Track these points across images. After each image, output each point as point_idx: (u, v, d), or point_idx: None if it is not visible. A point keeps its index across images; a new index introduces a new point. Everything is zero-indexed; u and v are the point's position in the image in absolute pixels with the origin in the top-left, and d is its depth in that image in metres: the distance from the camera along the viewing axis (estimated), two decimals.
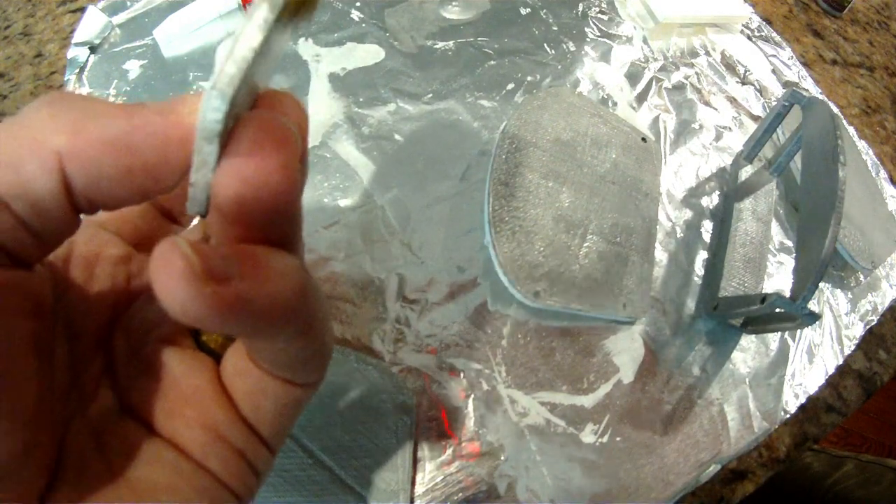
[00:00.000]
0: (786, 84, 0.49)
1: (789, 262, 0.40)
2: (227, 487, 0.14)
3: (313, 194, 0.33)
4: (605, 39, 0.45)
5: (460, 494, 0.28)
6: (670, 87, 0.44)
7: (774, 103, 0.38)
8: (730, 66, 0.48)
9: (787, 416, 0.34)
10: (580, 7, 0.46)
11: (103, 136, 0.11)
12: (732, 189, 0.40)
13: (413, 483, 0.28)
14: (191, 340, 0.15)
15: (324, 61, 0.37)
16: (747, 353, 0.36)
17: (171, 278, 0.10)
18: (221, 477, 0.14)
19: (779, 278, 0.39)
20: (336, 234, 0.32)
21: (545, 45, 0.43)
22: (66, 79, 0.35)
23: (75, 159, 0.11)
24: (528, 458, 0.30)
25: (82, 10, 0.37)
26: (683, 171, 0.41)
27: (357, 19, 0.40)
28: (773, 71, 0.49)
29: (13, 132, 0.11)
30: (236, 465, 0.14)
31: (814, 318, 0.29)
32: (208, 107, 0.11)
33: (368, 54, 0.38)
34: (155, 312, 0.15)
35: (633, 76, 0.44)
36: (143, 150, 0.11)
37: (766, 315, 0.33)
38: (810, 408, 0.36)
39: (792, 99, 0.36)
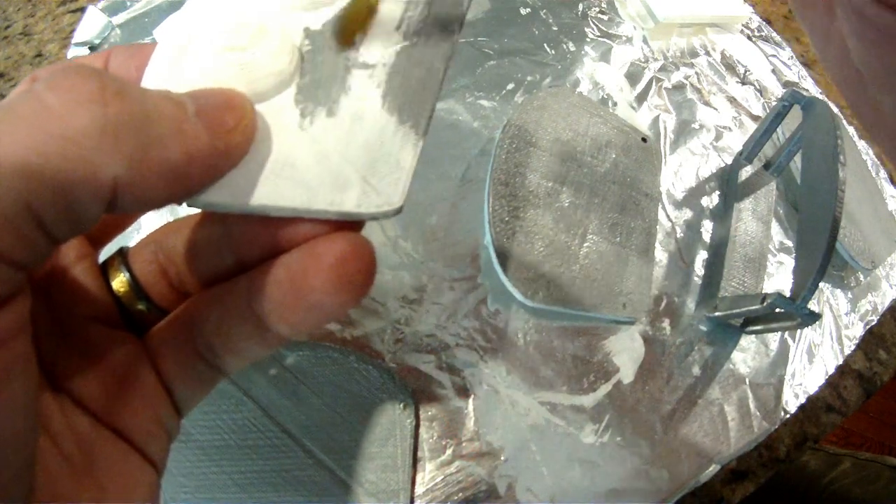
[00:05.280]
0: (786, 84, 0.49)
1: (789, 262, 0.40)
2: (157, 469, 0.14)
3: None
4: (605, 39, 0.45)
5: (460, 494, 0.28)
6: (670, 87, 0.44)
7: (774, 103, 0.38)
8: (730, 66, 0.48)
9: (787, 416, 0.34)
10: (580, 7, 0.46)
11: (161, 169, 0.11)
12: (732, 189, 0.40)
13: (413, 483, 0.28)
14: (116, 314, 0.15)
15: None
16: (747, 353, 0.36)
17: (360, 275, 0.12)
18: (156, 460, 0.14)
19: (779, 278, 0.39)
20: None
21: (545, 45, 0.43)
22: None
23: (131, 189, 0.11)
24: (528, 458, 0.30)
25: (82, 10, 0.37)
26: (683, 171, 0.41)
27: None
28: (773, 71, 0.49)
29: (62, 150, 0.10)
30: (167, 446, 0.15)
31: (814, 318, 0.29)
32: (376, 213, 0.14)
33: None
34: (81, 291, 0.15)
35: (633, 76, 0.44)
36: (193, 175, 0.12)
37: (766, 315, 0.33)
38: (810, 408, 0.36)
39: (792, 99, 0.36)
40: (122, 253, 0.16)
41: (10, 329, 0.10)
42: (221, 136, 0.12)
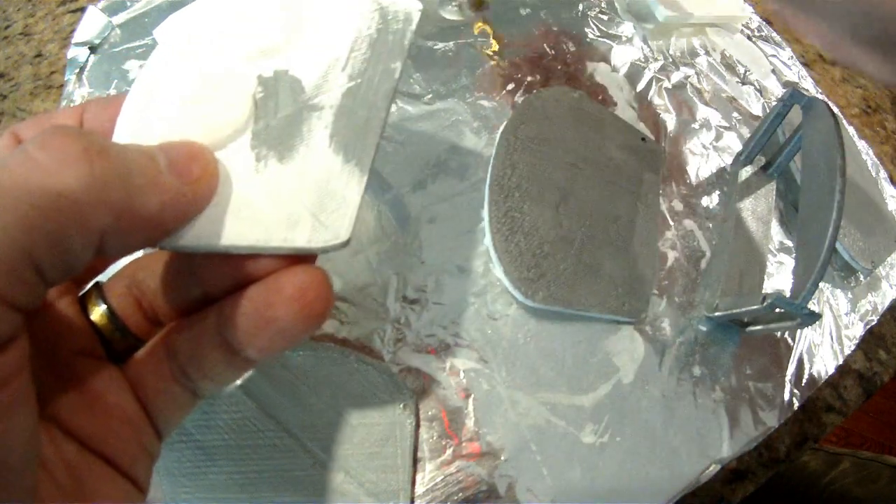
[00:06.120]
0: (786, 84, 0.49)
1: (789, 262, 0.40)
2: (141, 489, 0.15)
3: None
4: (605, 39, 0.45)
5: (460, 494, 0.28)
6: (670, 87, 0.44)
7: (774, 103, 0.38)
8: (730, 66, 0.48)
9: (788, 415, 0.34)
10: (580, 7, 0.46)
11: (141, 217, 0.13)
12: (732, 189, 0.40)
13: (413, 483, 0.28)
14: (100, 348, 0.16)
15: None
16: (747, 353, 0.36)
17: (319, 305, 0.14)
18: (141, 482, 0.15)
19: (779, 278, 0.39)
20: None
21: (545, 45, 0.43)
22: (66, 79, 0.35)
23: (115, 237, 0.12)
24: (528, 458, 0.30)
25: (82, 10, 0.37)
26: (683, 171, 0.41)
27: None
28: (773, 71, 0.49)
29: (56, 204, 0.11)
30: (150, 467, 0.16)
31: (814, 318, 0.29)
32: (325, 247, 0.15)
33: None
34: (64, 324, 0.16)
35: (633, 76, 0.44)
36: (168, 223, 0.13)
37: (766, 315, 0.33)
38: (810, 408, 0.36)
39: (792, 99, 0.36)
40: (98, 287, 0.17)
41: (14, 367, 0.11)
42: (190, 185, 0.14)
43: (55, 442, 0.14)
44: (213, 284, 0.15)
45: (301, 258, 0.15)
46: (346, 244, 0.16)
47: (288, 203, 0.15)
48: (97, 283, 0.17)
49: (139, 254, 0.17)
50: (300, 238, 0.15)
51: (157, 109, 0.15)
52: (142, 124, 0.15)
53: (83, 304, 0.17)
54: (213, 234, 0.14)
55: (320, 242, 0.15)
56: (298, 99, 0.16)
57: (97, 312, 0.16)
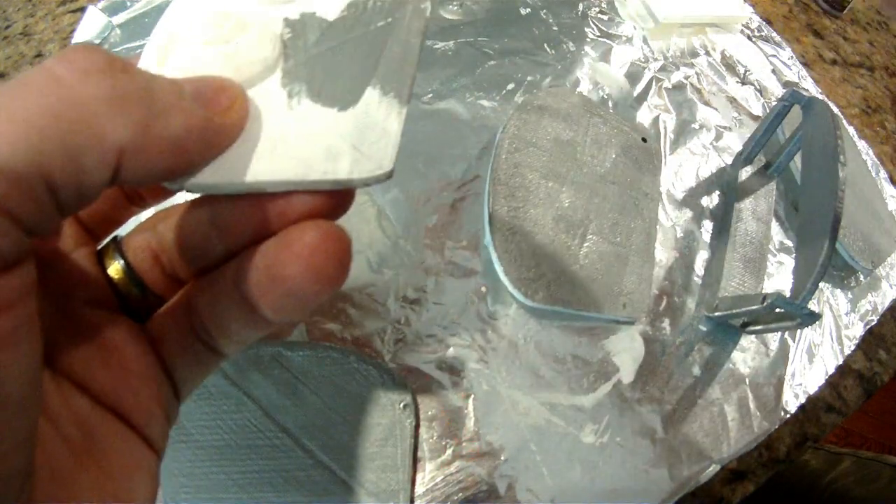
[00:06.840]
0: (786, 84, 0.49)
1: (789, 262, 0.40)
2: (157, 453, 0.15)
3: None
4: (605, 39, 0.45)
5: (460, 494, 0.28)
6: (670, 87, 0.44)
7: (774, 103, 0.38)
8: (730, 66, 0.48)
9: (787, 416, 0.34)
10: (580, 7, 0.46)
11: (163, 138, 0.12)
12: (732, 189, 0.40)
13: (413, 483, 0.28)
14: (113, 298, 0.16)
15: None
16: (747, 353, 0.36)
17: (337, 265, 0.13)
18: (155, 443, 0.14)
19: (779, 278, 0.39)
20: None
21: (545, 45, 0.43)
22: None
23: (134, 158, 0.11)
24: (528, 458, 0.30)
25: (82, 10, 0.37)
26: (683, 171, 0.41)
27: None
28: (773, 71, 0.49)
29: (72, 115, 0.10)
30: (166, 429, 0.15)
31: (814, 318, 0.29)
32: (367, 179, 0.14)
33: None
34: (80, 277, 0.15)
35: (633, 76, 0.44)
36: (192, 150, 0.12)
37: (766, 315, 0.33)
38: (810, 408, 0.36)
39: (792, 99, 0.36)
40: (115, 241, 0.16)
41: (17, 293, 0.11)
42: (217, 114, 0.13)
43: (66, 395, 0.13)
44: (236, 235, 0.14)
45: (332, 202, 0.14)
46: (389, 175, 0.15)
47: (326, 136, 0.14)
48: (115, 236, 0.16)
49: (162, 206, 0.17)
50: (342, 169, 0.14)
51: (178, 53, 0.15)
52: (163, 66, 0.14)
53: (101, 258, 0.16)
54: (244, 170, 0.13)
55: (364, 173, 0.14)
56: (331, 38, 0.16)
57: (114, 267, 0.16)
